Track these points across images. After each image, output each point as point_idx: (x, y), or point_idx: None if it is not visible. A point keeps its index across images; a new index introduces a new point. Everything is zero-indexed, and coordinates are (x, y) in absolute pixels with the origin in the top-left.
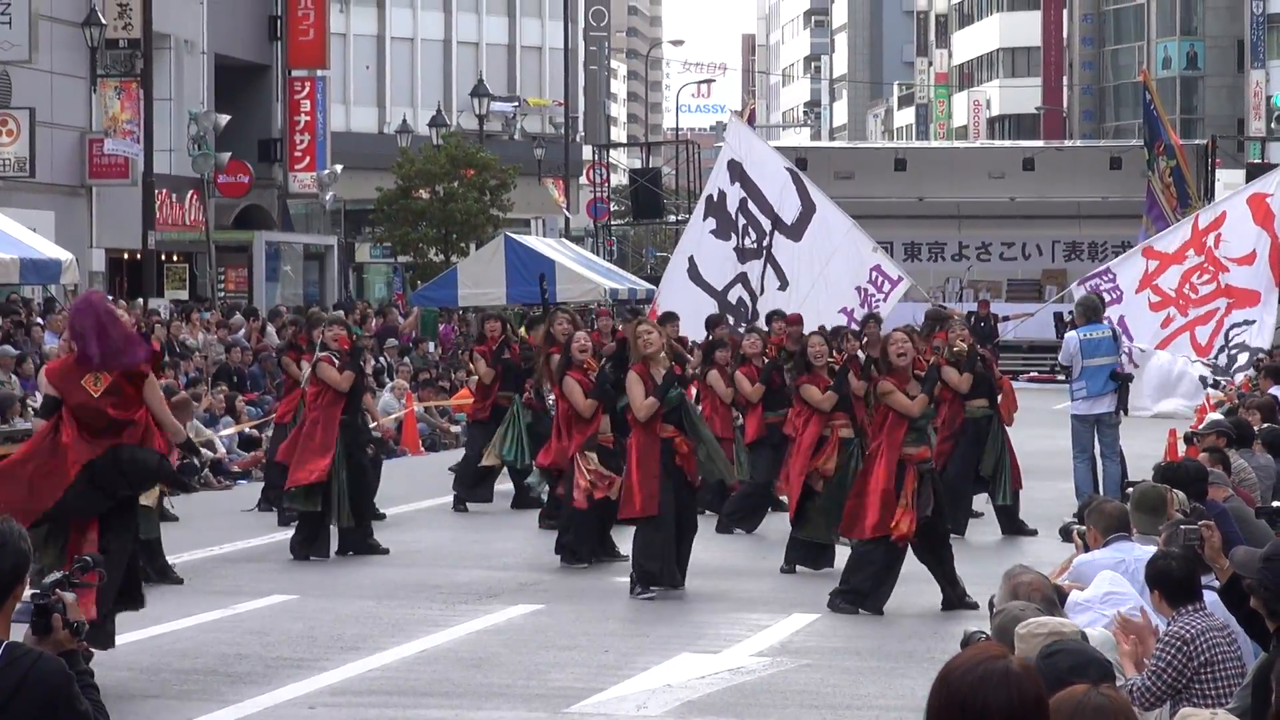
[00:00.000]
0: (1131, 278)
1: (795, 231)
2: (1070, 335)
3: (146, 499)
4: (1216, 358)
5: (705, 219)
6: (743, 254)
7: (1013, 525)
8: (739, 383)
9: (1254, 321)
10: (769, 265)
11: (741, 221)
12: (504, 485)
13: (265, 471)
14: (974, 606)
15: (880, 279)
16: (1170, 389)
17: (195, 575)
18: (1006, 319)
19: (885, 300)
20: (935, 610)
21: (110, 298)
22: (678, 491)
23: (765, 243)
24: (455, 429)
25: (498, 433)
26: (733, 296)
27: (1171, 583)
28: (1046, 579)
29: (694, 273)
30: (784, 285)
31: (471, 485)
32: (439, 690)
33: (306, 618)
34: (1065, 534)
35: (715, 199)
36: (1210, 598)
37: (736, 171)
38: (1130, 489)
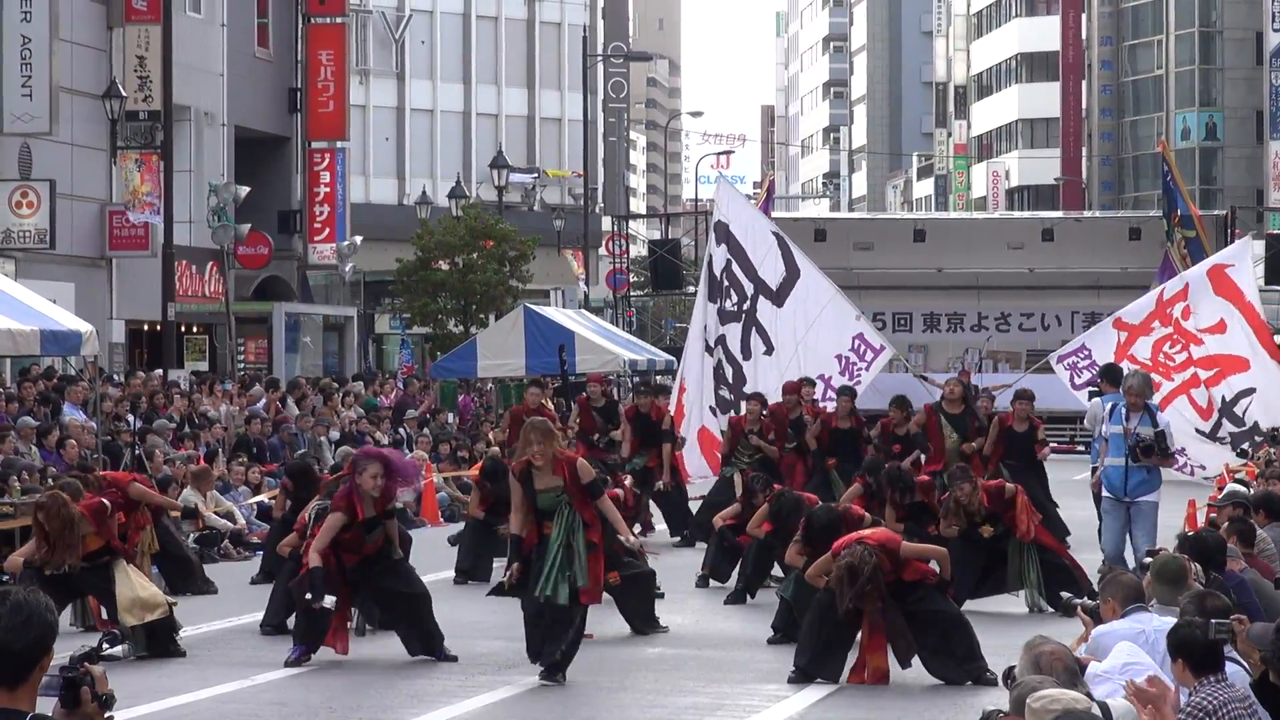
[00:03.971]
0: (1106, 352)
1: (779, 296)
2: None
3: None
4: (1220, 421)
5: (703, 286)
6: (723, 315)
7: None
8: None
9: (1254, 390)
10: (752, 329)
11: (725, 283)
12: None
13: None
14: (992, 683)
15: (863, 348)
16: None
17: (214, 646)
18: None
19: (868, 369)
20: (953, 684)
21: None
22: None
23: (746, 306)
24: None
25: None
26: (714, 357)
27: (1194, 652)
28: (1068, 649)
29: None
30: (770, 350)
31: (475, 559)
32: None
33: (325, 689)
34: (1069, 609)
35: (709, 264)
36: (1232, 669)
37: (722, 233)
38: (1149, 559)
